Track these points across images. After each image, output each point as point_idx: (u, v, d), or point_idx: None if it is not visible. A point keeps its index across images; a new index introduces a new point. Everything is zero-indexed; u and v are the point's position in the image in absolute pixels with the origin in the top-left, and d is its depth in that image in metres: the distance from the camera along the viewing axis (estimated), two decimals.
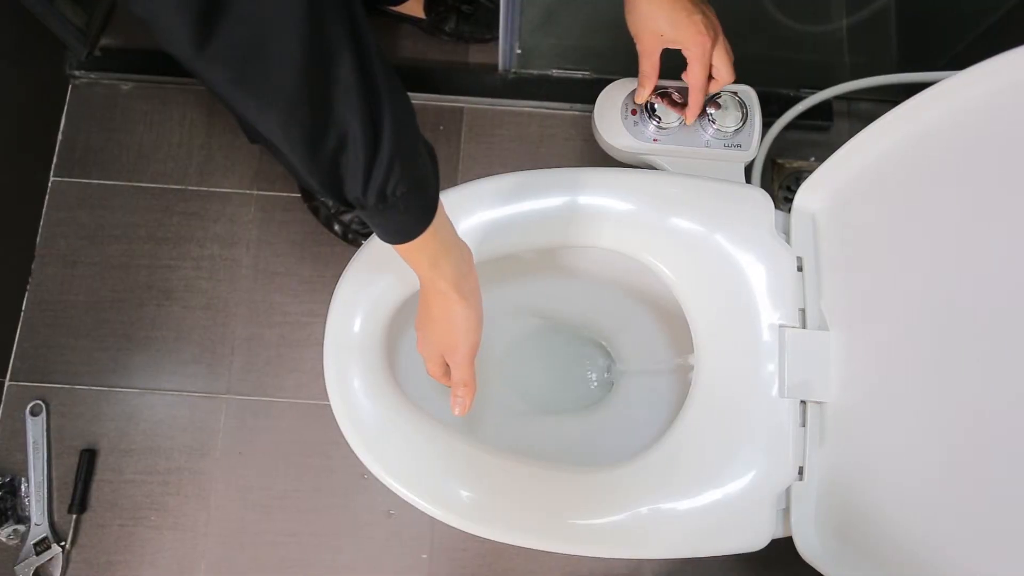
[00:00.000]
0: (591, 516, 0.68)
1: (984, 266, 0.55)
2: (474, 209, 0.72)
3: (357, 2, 0.41)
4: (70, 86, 1.18)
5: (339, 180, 0.45)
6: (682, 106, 0.81)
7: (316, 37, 0.38)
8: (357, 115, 0.42)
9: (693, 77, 0.75)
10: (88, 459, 1.05)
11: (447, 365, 0.66)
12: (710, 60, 0.74)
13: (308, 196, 1.11)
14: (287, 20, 0.37)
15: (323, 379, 0.71)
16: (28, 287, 1.12)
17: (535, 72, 1.17)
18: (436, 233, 0.54)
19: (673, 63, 0.76)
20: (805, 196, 0.74)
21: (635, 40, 0.75)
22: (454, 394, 0.66)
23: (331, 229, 1.12)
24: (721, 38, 0.74)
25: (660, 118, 0.81)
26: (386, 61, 0.43)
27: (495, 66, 1.16)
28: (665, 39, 0.73)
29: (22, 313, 1.11)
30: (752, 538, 0.68)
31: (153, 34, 0.37)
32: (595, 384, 0.97)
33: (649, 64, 0.76)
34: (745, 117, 0.81)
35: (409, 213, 0.51)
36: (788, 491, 0.69)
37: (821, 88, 0.96)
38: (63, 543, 1.03)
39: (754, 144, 0.81)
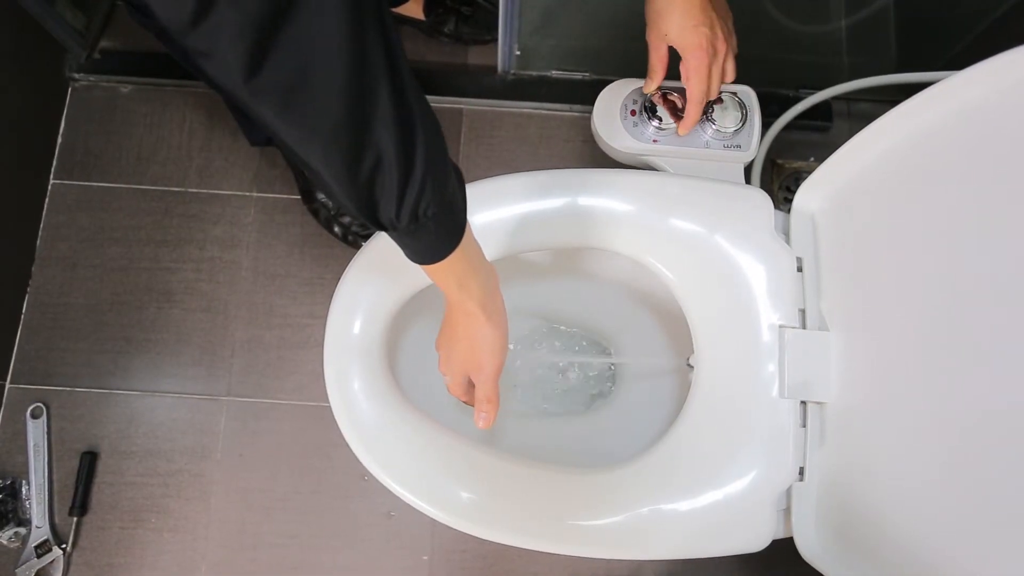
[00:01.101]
0: (592, 517, 0.68)
1: (985, 266, 0.55)
2: (472, 212, 0.72)
3: (392, 24, 0.41)
4: (69, 88, 1.18)
5: (374, 202, 0.46)
6: (681, 112, 0.81)
7: (358, 62, 0.39)
8: (392, 138, 0.43)
9: (689, 88, 0.75)
10: (89, 461, 1.05)
11: (469, 384, 0.67)
12: (707, 74, 0.74)
13: (308, 198, 1.11)
14: (332, 46, 0.38)
15: (323, 381, 0.71)
16: (28, 290, 1.12)
17: (534, 73, 1.17)
18: (464, 254, 0.55)
19: (672, 63, 0.76)
20: (805, 196, 0.74)
21: (646, 32, 0.76)
22: (478, 410, 0.66)
23: (331, 231, 1.12)
24: (723, 56, 0.74)
25: (660, 119, 0.81)
26: (417, 83, 0.44)
27: (494, 67, 1.16)
28: (669, 39, 0.73)
29: (22, 316, 1.11)
30: (753, 539, 0.68)
31: (201, 64, 0.37)
32: (595, 385, 0.97)
33: (656, 57, 0.77)
34: (745, 117, 0.81)
35: (439, 234, 0.52)
36: (789, 491, 0.69)
37: (820, 88, 0.96)
38: (64, 545, 1.03)
39: (754, 144, 0.81)
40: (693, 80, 0.74)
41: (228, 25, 0.35)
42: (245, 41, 0.36)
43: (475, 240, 0.58)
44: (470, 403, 0.68)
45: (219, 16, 0.34)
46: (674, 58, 0.76)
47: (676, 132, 0.81)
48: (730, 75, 0.77)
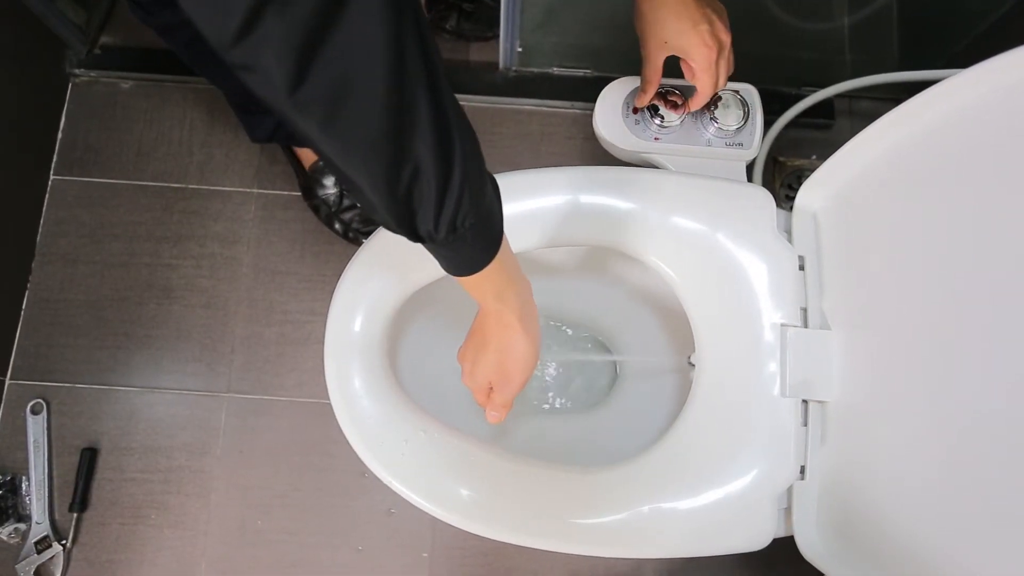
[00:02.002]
0: (592, 516, 0.68)
1: (986, 266, 0.55)
2: None
3: (428, 27, 0.40)
4: (70, 84, 1.18)
5: (412, 213, 0.46)
6: (681, 107, 0.80)
7: (398, 74, 0.38)
8: (431, 149, 0.42)
9: (701, 85, 0.75)
10: (89, 458, 1.05)
11: (490, 389, 0.66)
12: (716, 70, 0.73)
13: (309, 194, 1.11)
14: (372, 59, 0.37)
15: (324, 378, 0.71)
16: (28, 286, 1.12)
17: (536, 70, 1.16)
18: (502, 265, 0.54)
19: (673, 61, 0.76)
20: (807, 195, 0.74)
21: (640, 44, 0.75)
22: (491, 410, 0.66)
23: (332, 227, 1.11)
24: (728, 48, 0.73)
25: (662, 117, 0.81)
26: (451, 88, 0.43)
27: (496, 64, 1.16)
28: (669, 47, 0.73)
29: (22, 312, 1.11)
30: (754, 537, 0.68)
31: (243, 78, 0.37)
32: (597, 383, 0.97)
33: (652, 69, 0.76)
34: (747, 116, 0.81)
35: (477, 244, 0.51)
36: (790, 490, 0.69)
37: (822, 86, 0.96)
38: (64, 541, 1.03)
39: (756, 143, 0.81)
40: (702, 78, 0.73)
41: (274, 37, 0.34)
42: (291, 52, 0.35)
43: (511, 251, 0.57)
44: (486, 406, 0.67)
45: (265, 28, 0.33)
46: (672, 58, 0.76)
47: (684, 122, 0.81)
48: (731, 68, 0.77)
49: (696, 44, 0.71)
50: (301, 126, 0.39)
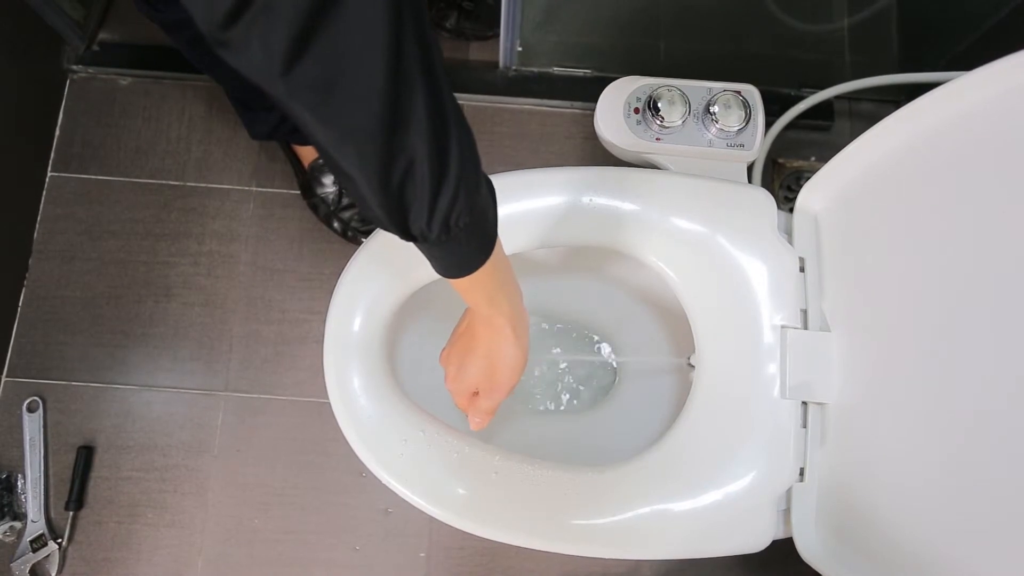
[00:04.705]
0: (591, 516, 0.68)
1: (986, 268, 0.55)
2: None
3: (427, 19, 0.40)
4: (68, 80, 1.17)
5: (405, 210, 0.44)
6: None
7: (396, 65, 0.38)
8: (427, 143, 0.41)
9: None
10: (85, 456, 1.05)
11: (473, 395, 0.64)
12: None
13: (308, 193, 1.11)
14: (372, 47, 0.36)
15: (322, 377, 0.70)
16: (25, 283, 1.11)
17: (536, 70, 1.16)
18: (495, 268, 0.53)
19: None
20: (807, 196, 0.74)
21: None
22: (474, 416, 0.64)
23: (330, 226, 1.11)
24: None
25: (663, 117, 0.80)
26: (450, 83, 0.43)
27: (496, 63, 1.16)
28: None
29: (19, 309, 1.10)
30: (753, 539, 0.68)
31: (231, 58, 0.36)
32: (595, 384, 0.97)
33: None
34: (748, 116, 0.81)
35: (471, 245, 0.50)
36: (789, 492, 0.69)
37: (822, 87, 0.97)
38: (60, 540, 1.03)
39: (757, 143, 0.81)
40: None
41: (271, 13, 0.33)
42: (287, 30, 0.34)
43: (505, 256, 0.56)
44: (467, 412, 0.66)
45: (260, 4, 0.33)
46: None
47: (685, 122, 0.79)
48: None
49: None
50: (295, 111, 0.39)
